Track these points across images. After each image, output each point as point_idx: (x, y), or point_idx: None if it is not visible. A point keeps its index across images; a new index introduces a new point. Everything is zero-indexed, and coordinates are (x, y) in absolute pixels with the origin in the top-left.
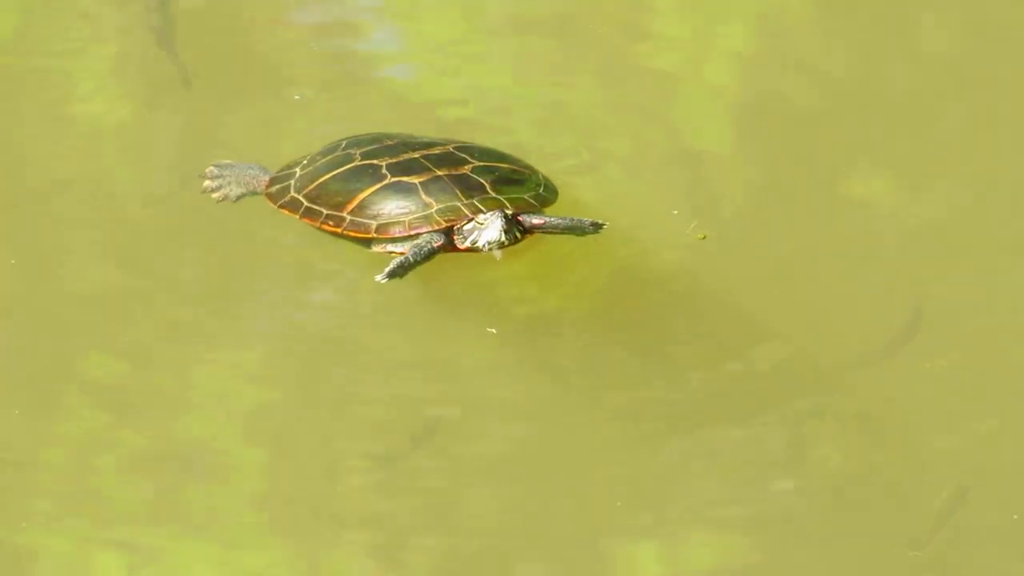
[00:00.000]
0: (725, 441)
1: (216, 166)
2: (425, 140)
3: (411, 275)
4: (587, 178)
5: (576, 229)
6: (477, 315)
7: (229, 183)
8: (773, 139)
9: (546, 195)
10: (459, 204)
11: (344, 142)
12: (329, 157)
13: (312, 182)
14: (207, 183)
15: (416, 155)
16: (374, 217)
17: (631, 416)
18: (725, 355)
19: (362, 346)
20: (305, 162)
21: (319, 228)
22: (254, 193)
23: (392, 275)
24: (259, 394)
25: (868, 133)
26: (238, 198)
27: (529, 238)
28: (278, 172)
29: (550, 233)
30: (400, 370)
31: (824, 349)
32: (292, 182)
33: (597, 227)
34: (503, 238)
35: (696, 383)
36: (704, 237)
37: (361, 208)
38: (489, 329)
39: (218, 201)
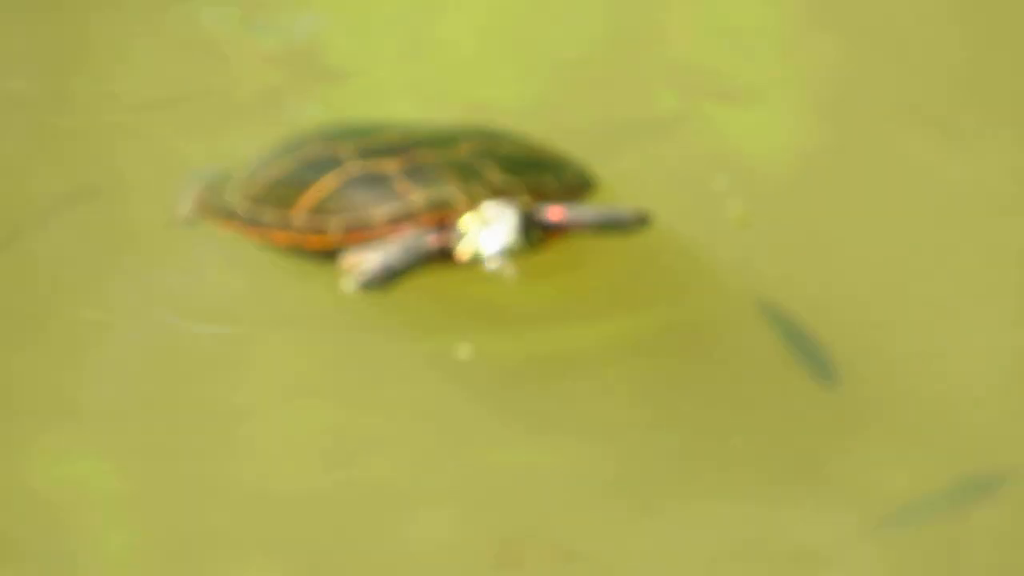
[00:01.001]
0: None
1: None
2: (411, 126)
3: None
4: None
5: (613, 224)
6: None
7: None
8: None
9: (578, 183)
10: (453, 192)
11: (306, 135)
12: (281, 151)
13: (254, 181)
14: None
15: (394, 137)
16: (335, 216)
17: None
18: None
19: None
20: (251, 162)
21: (265, 240)
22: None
23: (369, 283)
24: None
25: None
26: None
27: (553, 243)
28: (213, 178)
29: (580, 234)
30: None
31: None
32: (229, 185)
33: (641, 221)
34: (517, 241)
35: None
36: (744, 221)
37: (319, 207)
38: (460, 350)
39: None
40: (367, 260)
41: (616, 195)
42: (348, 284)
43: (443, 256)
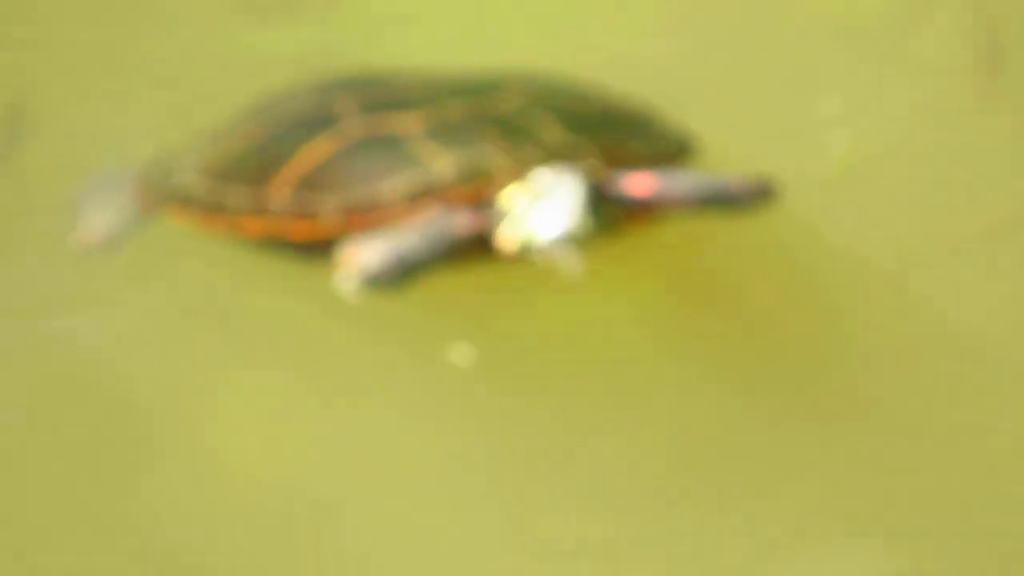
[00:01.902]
0: None
1: (84, 186)
2: (438, 73)
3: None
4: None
5: (721, 198)
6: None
7: (101, 209)
8: None
9: (671, 146)
10: (493, 156)
11: (290, 88)
12: (255, 110)
13: (217, 151)
14: (70, 214)
15: (411, 86)
16: (329, 193)
17: None
18: None
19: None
20: (214, 129)
21: (233, 231)
22: (138, 218)
23: (376, 280)
24: None
25: None
26: (115, 241)
27: (637, 227)
28: (163, 155)
29: (676, 212)
30: None
31: None
32: (186, 159)
33: (760, 193)
34: (582, 223)
35: None
36: (846, 161)
37: (306, 181)
38: (457, 353)
39: (82, 250)
40: (373, 250)
41: (726, 162)
42: (347, 283)
43: (478, 244)
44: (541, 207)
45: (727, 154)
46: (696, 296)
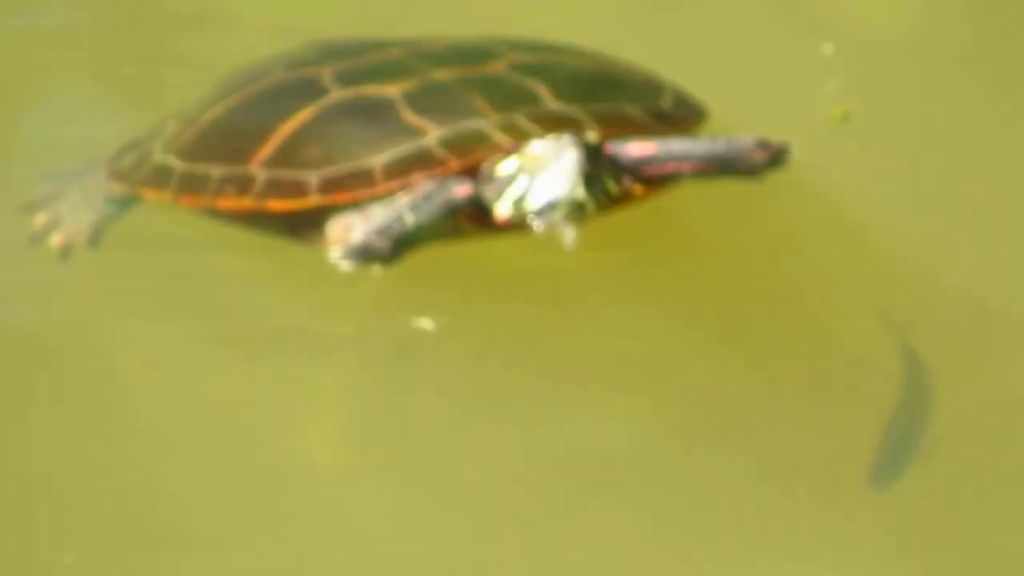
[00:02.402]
0: None
1: (48, 182)
2: (425, 39)
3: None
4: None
5: (732, 163)
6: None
7: (74, 208)
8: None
9: (677, 112)
10: (485, 125)
11: (266, 62)
12: (230, 86)
13: (192, 127)
14: (39, 219)
15: (394, 53)
16: (313, 166)
17: None
18: None
19: None
20: (188, 107)
21: (212, 211)
22: (114, 207)
23: (368, 254)
24: None
25: None
26: (94, 231)
27: (643, 196)
28: (138, 135)
29: (683, 179)
30: None
31: None
32: (159, 140)
33: (773, 158)
34: (580, 192)
35: None
36: (846, 118)
37: (286, 153)
38: (420, 323)
39: (62, 253)
40: (367, 225)
41: (733, 129)
42: (340, 256)
43: (474, 216)
44: (536, 177)
45: (737, 120)
46: (692, 265)
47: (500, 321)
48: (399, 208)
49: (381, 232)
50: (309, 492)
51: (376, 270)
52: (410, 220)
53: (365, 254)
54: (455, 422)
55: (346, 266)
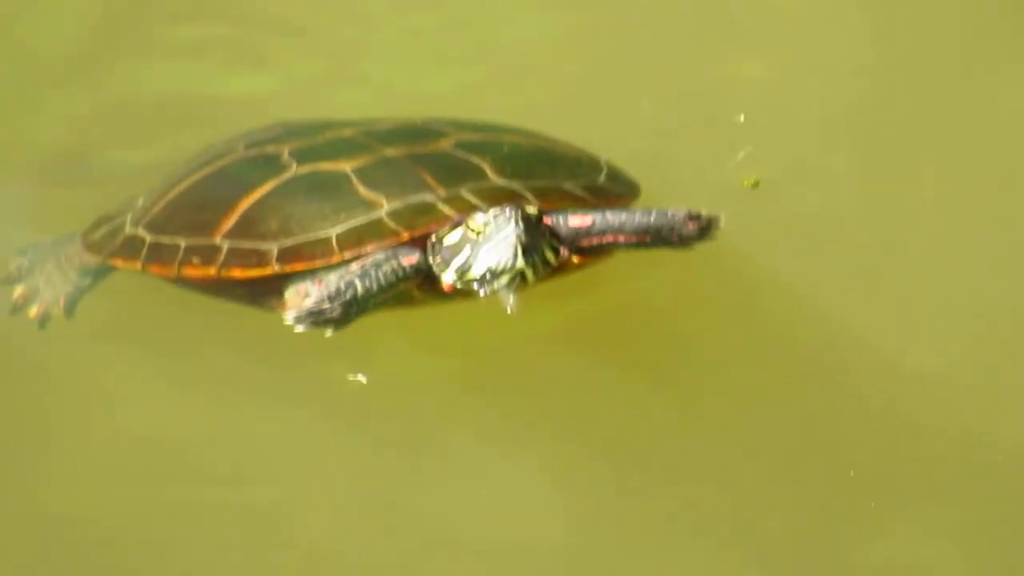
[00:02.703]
0: None
1: (25, 256)
2: (374, 120)
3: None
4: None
5: (667, 235)
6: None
7: (50, 280)
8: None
9: (608, 185)
10: (433, 199)
11: (227, 141)
12: (194, 164)
13: (160, 201)
14: (18, 292)
15: (348, 133)
16: (273, 237)
17: None
18: None
19: None
20: (158, 183)
21: (178, 279)
22: (88, 277)
23: (315, 316)
24: None
25: None
26: (69, 302)
27: (579, 266)
28: (110, 210)
29: (618, 250)
30: None
31: None
32: (130, 214)
33: (705, 229)
34: (520, 262)
35: None
36: (756, 184)
37: (247, 225)
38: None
39: (41, 323)
40: (319, 291)
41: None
42: (294, 320)
43: (423, 282)
44: (480, 247)
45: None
46: (632, 326)
47: (436, 375)
48: (351, 275)
49: (333, 298)
50: (255, 521)
51: (328, 332)
52: (361, 287)
53: (317, 318)
54: (389, 467)
55: (300, 329)
